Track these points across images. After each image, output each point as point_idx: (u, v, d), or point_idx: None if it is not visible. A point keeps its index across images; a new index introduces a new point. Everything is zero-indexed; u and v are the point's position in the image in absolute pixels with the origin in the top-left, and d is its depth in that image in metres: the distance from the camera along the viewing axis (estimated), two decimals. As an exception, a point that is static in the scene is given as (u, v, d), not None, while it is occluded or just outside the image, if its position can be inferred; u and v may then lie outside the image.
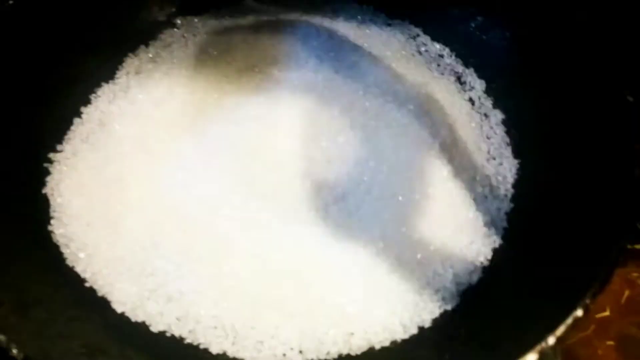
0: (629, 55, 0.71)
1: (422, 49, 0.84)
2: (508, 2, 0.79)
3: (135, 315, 0.60)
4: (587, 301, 0.49)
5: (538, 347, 0.45)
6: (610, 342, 0.73)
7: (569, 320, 0.48)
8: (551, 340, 0.47)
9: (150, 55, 0.82)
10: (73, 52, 0.77)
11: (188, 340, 0.59)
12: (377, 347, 0.58)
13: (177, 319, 0.60)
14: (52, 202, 0.68)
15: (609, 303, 0.75)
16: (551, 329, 0.48)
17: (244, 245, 0.63)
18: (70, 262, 0.63)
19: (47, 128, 0.73)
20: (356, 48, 0.81)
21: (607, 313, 0.75)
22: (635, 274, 0.79)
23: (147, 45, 0.83)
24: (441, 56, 0.83)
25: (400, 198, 0.67)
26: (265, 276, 0.61)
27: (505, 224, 0.68)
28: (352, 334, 0.59)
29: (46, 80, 0.74)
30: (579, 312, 0.49)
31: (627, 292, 0.78)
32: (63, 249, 0.64)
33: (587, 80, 0.67)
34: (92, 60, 0.79)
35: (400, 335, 0.59)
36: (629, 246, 0.76)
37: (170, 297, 0.61)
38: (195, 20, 0.86)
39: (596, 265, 0.53)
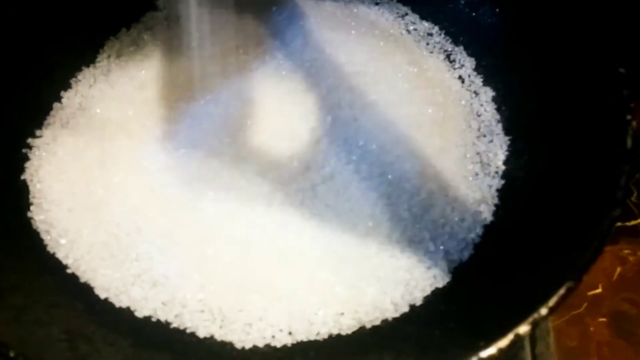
0: (620, 29, 0.70)
1: (411, 27, 0.82)
2: (496, -22, 0.78)
3: (120, 301, 0.58)
4: (579, 272, 0.48)
5: (530, 319, 0.44)
6: (603, 319, 0.73)
7: (562, 291, 0.47)
8: (543, 310, 0.46)
9: (132, 38, 0.80)
10: (53, 35, 0.75)
11: (174, 325, 0.57)
12: (368, 326, 0.57)
13: (163, 303, 0.58)
14: (31, 188, 0.66)
15: (601, 280, 0.75)
16: (543, 301, 0.47)
17: (229, 227, 0.61)
18: (51, 248, 0.62)
19: (26, 113, 0.71)
20: (343, 27, 0.80)
21: (599, 290, 0.75)
22: (626, 251, 0.78)
23: (128, 28, 0.81)
24: (430, 34, 0.82)
25: (389, 177, 0.65)
26: (252, 258, 0.60)
27: (496, 200, 0.67)
28: (342, 313, 0.58)
29: (25, 65, 0.72)
30: (571, 283, 0.48)
31: (618, 269, 0.77)
32: (43, 236, 0.62)
33: (577, 55, 0.66)
34: (73, 43, 0.77)
35: (392, 313, 0.58)
36: (620, 223, 0.76)
37: (155, 282, 0.59)
38: (178, 2, 0.84)
39: (587, 238, 0.52)
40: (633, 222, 0.82)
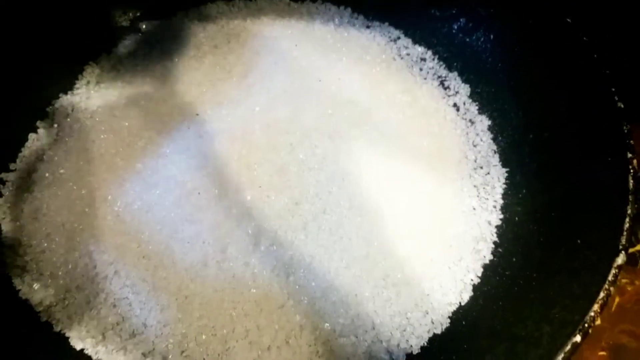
0: (618, 57, 0.68)
1: (404, 52, 0.80)
2: (491, 3, 0.76)
3: (96, 353, 0.55)
4: (586, 325, 0.46)
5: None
6: (603, 353, 0.70)
7: (568, 347, 0.45)
8: (550, 371, 0.44)
9: (112, 64, 0.76)
10: (29, 60, 0.71)
11: (155, 379, 0.54)
12: (363, 378, 0.54)
13: (143, 354, 0.55)
14: (4, 227, 0.62)
15: (597, 317, 0.72)
16: (549, 357, 0.44)
17: (214, 272, 0.58)
18: (23, 294, 0.58)
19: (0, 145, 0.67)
20: (334, 53, 0.77)
21: (597, 322, 0.72)
22: (624, 280, 0.76)
23: (109, 52, 0.77)
24: (423, 60, 0.79)
25: (385, 212, 0.62)
26: (238, 304, 0.56)
27: (495, 237, 0.64)
28: (335, 364, 0.54)
29: (-2, 92, 0.68)
30: (577, 338, 0.45)
31: (617, 299, 0.75)
32: (15, 280, 0.58)
33: (576, 82, 0.64)
34: (50, 69, 0.73)
35: (387, 364, 0.55)
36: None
37: (134, 331, 0.56)
38: (161, 24, 0.80)
39: (593, 283, 0.49)
40: (631, 250, 0.80)
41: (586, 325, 0.46)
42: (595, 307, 0.46)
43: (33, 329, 0.55)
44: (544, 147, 0.66)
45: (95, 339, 0.55)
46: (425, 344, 0.56)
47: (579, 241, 0.55)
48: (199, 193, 0.62)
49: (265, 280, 0.57)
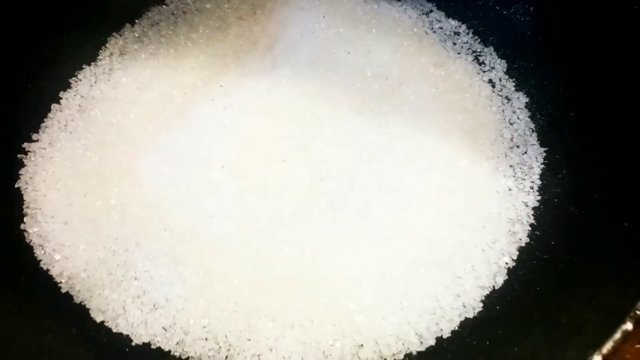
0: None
1: (436, 25, 0.76)
2: (532, -28, 0.71)
3: (116, 325, 0.54)
4: (638, 312, 0.42)
5: (580, 367, 0.38)
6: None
7: (617, 335, 0.41)
8: (596, 359, 0.40)
9: (136, 35, 0.74)
10: (52, 31, 0.70)
11: (175, 354, 0.52)
12: (390, 360, 0.52)
13: (164, 329, 0.53)
14: (25, 197, 0.61)
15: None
16: (595, 345, 0.41)
17: (238, 246, 0.56)
18: (44, 264, 0.57)
19: (22, 115, 0.66)
20: (363, 25, 0.73)
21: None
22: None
23: (132, 23, 0.76)
24: (457, 34, 0.75)
25: (414, 191, 0.59)
26: (263, 281, 0.54)
27: (531, 219, 0.60)
28: (361, 345, 0.52)
29: (22, 63, 0.67)
30: (629, 325, 0.42)
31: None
32: (37, 250, 0.58)
33: (621, 56, 0.59)
34: (73, 40, 0.72)
35: (416, 347, 0.52)
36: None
37: (155, 305, 0.54)
38: (186, -4, 0.78)
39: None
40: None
41: (638, 312, 0.42)
42: (645, 292, 0.42)
43: (53, 300, 0.54)
44: (586, 126, 0.62)
45: (116, 311, 0.54)
46: (457, 327, 0.54)
47: (626, 224, 0.51)
48: (222, 167, 0.60)
49: (289, 257, 0.55)
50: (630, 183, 0.54)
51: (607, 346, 0.41)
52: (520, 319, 0.53)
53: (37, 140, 0.65)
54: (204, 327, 0.53)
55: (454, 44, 0.74)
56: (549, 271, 0.55)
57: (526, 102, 0.69)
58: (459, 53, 0.73)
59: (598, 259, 0.52)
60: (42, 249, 0.58)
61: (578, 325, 0.46)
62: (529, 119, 0.68)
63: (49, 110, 0.68)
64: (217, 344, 0.52)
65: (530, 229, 0.60)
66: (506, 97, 0.70)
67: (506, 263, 0.58)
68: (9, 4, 0.65)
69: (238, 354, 0.52)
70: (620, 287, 0.46)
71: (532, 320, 0.51)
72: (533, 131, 0.67)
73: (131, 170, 0.60)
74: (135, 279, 0.56)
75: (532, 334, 0.49)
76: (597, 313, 0.46)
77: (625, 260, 0.48)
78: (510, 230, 0.59)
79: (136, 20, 0.76)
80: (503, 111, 0.68)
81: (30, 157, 0.64)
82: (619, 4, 0.59)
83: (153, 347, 0.53)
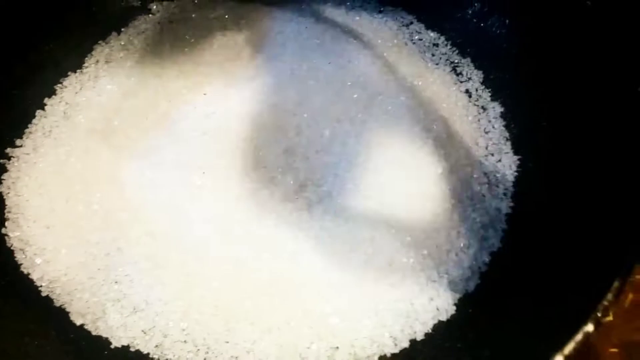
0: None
1: (416, 37, 0.78)
2: (507, -13, 0.74)
3: (96, 328, 0.54)
4: (599, 314, 0.44)
5: (542, 366, 0.40)
6: (614, 350, 0.68)
7: (579, 337, 0.43)
8: (558, 358, 0.42)
9: (122, 43, 0.76)
10: (38, 38, 0.71)
11: (154, 356, 0.53)
12: (365, 362, 0.53)
13: (143, 331, 0.54)
14: (7, 202, 0.61)
15: (612, 307, 0.70)
16: (558, 346, 0.43)
17: (216, 251, 0.57)
18: (25, 268, 0.57)
19: (6, 121, 0.67)
20: (344, 36, 0.75)
21: (609, 318, 0.70)
22: (638, 276, 0.73)
23: (118, 32, 0.77)
24: (436, 45, 0.77)
25: (391, 197, 0.61)
26: (241, 285, 0.55)
27: (504, 225, 0.62)
28: (337, 348, 0.53)
29: (7, 69, 0.68)
30: (590, 327, 0.43)
31: (630, 296, 0.72)
32: (17, 254, 0.58)
33: (591, 70, 0.62)
34: (59, 47, 0.73)
35: (390, 349, 0.54)
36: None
37: (135, 308, 0.55)
38: (172, 5, 0.80)
39: (607, 274, 0.47)
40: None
41: (599, 314, 0.44)
42: (609, 296, 0.44)
43: (33, 304, 0.55)
44: (559, 135, 0.64)
45: (96, 314, 0.55)
46: (430, 330, 0.55)
47: (592, 233, 0.53)
48: (204, 172, 0.61)
49: (268, 261, 0.56)
50: (601, 191, 0.56)
51: (569, 347, 0.43)
52: (492, 322, 0.54)
53: (21, 146, 0.66)
54: (183, 330, 0.54)
55: (433, 55, 0.77)
56: (520, 275, 0.57)
57: (501, 112, 0.71)
58: (437, 64, 0.76)
59: (567, 263, 0.54)
60: (23, 253, 0.58)
61: (547, 326, 0.48)
62: (503, 128, 0.70)
63: (34, 116, 0.68)
64: (196, 347, 0.53)
65: (503, 234, 0.62)
66: (482, 107, 0.72)
67: (479, 268, 0.59)
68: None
69: (216, 356, 0.53)
70: (585, 289, 0.48)
71: (503, 323, 0.53)
72: (507, 140, 0.69)
73: (114, 176, 0.61)
74: (116, 282, 0.56)
75: (502, 337, 0.51)
76: (565, 315, 0.48)
77: (591, 266, 0.50)
78: (483, 236, 0.61)
79: (122, 29, 0.77)
80: (479, 120, 0.71)
81: (13, 162, 0.64)
82: (594, 20, 0.62)
83: (132, 349, 0.53)
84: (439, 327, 0.55)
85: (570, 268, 0.53)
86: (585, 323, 0.43)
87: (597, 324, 0.44)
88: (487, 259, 0.60)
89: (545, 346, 0.44)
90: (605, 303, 0.44)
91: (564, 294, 0.50)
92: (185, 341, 0.53)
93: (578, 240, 0.55)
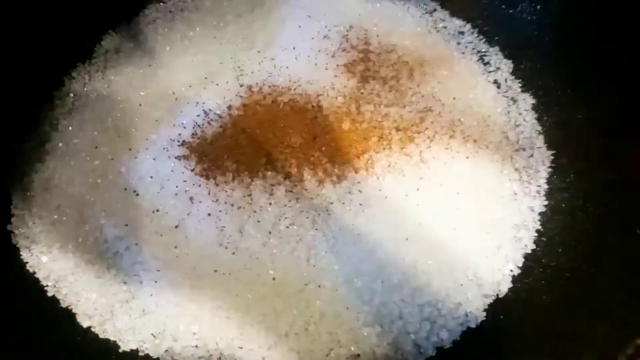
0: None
1: (440, 25, 0.74)
2: (539, -30, 0.69)
3: (104, 331, 0.52)
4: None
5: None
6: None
7: (630, 350, 0.39)
8: (608, 374, 0.38)
9: (132, 32, 0.72)
10: (45, 28, 0.68)
11: (164, 361, 0.50)
12: (387, 372, 0.49)
13: (152, 335, 0.51)
14: (13, 197, 0.59)
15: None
16: (608, 358, 0.39)
17: (229, 251, 0.54)
18: (30, 267, 0.55)
19: (14, 114, 0.64)
20: (364, 24, 0.71)
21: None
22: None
23: (129, 21, 0.74)
24: (461, 33, 0.73)
25: (416, 195, 0.57)
26: (256, 286, 0.52)
27: (537, 225, 0.58)
28: (358, 355, 0.50)
29: (14, 61, 0.65)
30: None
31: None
32: (23, 252, 0.56)
33: (631, 57, 0.57)
34: (68, 36, 0.70)
35: (415, 357, 0.50)
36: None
37: (144, 310, 0.52)
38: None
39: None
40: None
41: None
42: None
43: (39, 305, 0.53)
44: (594, 128, 0.60)
45: (103, 316, 0.52)
46: (458, 338, 0.51)
47: (637, 231, 0.49)
48: (219, 167, 0.58)
49: (284, 261, 0.53)
50: (638, 187, 0.52)
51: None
52: (525, 330, 0.50)
53: (29, 141, 0.63)
54: (194, 333, 0.51)
55: (458, 43, 0.72)
56: (555, 279, 0.53)
57: (532, 104, 0.67)
58: (463, 53, 0.71)
59: (607, 266, 0.50)
60: (29, 250, 0.56)
61: (589, 336, 0.44)
62: (535, 121, 0.66)
63: (42, 109, 0.66)
64: (208, 352, 0.50)
65: (536, 234, 0.58)
66: (512, 99, 0.68)
67: (511, 270, 0.55)
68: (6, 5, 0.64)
69: (229, 362, 0.50)
70: (632, 296, 0.44)
71: (537, 331, 0.49)
72: (539, 133, 0.65)
73: (122, 170, 0.58)
74: (125, 283, 0.54)
75: (537, 346, 0.47)
76: (607, 324, 0.44)
77: (636, 269, 0.46)
78: (515, 236, 0.57)
79: (133, 18, 0.74)
80: (509, 113, 0.66)
81: (20, 156, 0.62)
82: (627, 4, 0.57)
83: (141, 353, 0.51)
84: (468, 334, 0.52)
85: (611, 272, 0.49)
86: (638, 335, 0.39)
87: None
88: (519, 261, 0.56)
89: (591, 359, 0.40)
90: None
91: (606, 300, 0.46)
92: (196, 346, 0.51)
93: (618, 241, 0.51)
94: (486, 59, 0.71)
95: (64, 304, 0.53)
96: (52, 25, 0.69)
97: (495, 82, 0.69)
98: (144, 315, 0.52)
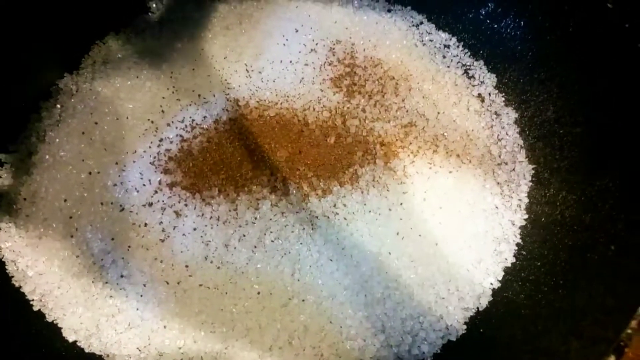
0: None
1: (426, 38, 0.75)
2: (523, -14, 0.70)
3: (89, 345, 0.52)
4: (621, 344, 0.41)
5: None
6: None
7: (602, 365, 0.40)
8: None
9: (120, 43, 0.73)
10: (33, 38, 0.68)
11: (149, 376, 0.51)
12: (369, 385, 0.50)
13: (138, 349, 0.52)
14: (0, 210, 0.59)
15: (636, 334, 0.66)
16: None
17: (215, 266, 0.54)
18: (16, 281, 0.55)
19: (0, 124, 0.64)
20: (351, 36, 0.72)
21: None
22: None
23: (117, 31, 0.74)
24: (447, 47, 0.74)
25: (399, 209, 0.58)
26: (240, 301, 0.53)
27: (518, 239, 0.59)
28: (341, 369, 0.51)
29: (1, 71, 0.65)
30: (611, 359, 0.41)
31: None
32: (9, 266, 0.56)
33: (614, 73, 0.58)
34: (55, 47, 0.70)
35: (397, 370, 0.51)
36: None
37: (130, 324, 0.53)
38: (173, 4, 0.77)
39: (630, 295, 0.44)
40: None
41: (622, 344, 0.41)
42: (633, 323, 0.41)
43: (24, 319, 0.53)
44: (576, 143, 0.61)
45: (89, 330, 0.53)
46: (439, 351, 0.52)
47: (612, 247, 0.50)
48: (204, 179, 0.58)
49: (269, 276, 0.54)
50: (620, 204, 0.53)
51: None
52: (504, 343, 0.51)
53: (15, 152, 0.63)
54: (179, 348, 0.51)
55: (444, 57, 0.73)
56: (534, 293, 0.54)
57: (515, 118, 0.68)
58: (448, 66, 0.72)
59: (584, 281, 0.51)
60: (15, 264, 0.56)
61: (562, 352, 0.45)
62: (517, 135, 0.67)
63: (28, 120, 0.66)
64: (193, 366, 0.51)
65: (516, 248, 0.59)
66: (495, 113, 0.69)
67: (491, 284, 0.56)
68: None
69: (213, 376, 0.50)
70: (605, 314, 0.45)
71: (515, 346, 0.50)
72: (521, 147, 0.66)
73: (108, 184, 0.59)
74: (110, 296, 0.54)
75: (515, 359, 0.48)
76: (581, 340, 0.45)
77: (611, 287, 0.47)
78: (496, 250, 0.58)
79: (121, 29, 0.74)
80: (492, 127, 0.67)
81: (6, 168, 0.62)
82: (610, 20, 0.59)
83: (126, 368, 0.51)
84: (449, 347, 0.53)
85: (588, 288, 0.50)
86: (607, 354, 0.40)
87: (619, 355, 0.41)
88: (499, 274, 0.57)
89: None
90: (629, 331, 0.41)
91: (582, 317, 0.48)
92: (181, 360, 0.51)
93: (595, 257, 0.52)
94: (471, 72, 0.72)
95: (49, 318, 0.53)
96: (40, 35, 0.69)
97: (479, 96, 0.70)
98: (130, 330, 0.52)
